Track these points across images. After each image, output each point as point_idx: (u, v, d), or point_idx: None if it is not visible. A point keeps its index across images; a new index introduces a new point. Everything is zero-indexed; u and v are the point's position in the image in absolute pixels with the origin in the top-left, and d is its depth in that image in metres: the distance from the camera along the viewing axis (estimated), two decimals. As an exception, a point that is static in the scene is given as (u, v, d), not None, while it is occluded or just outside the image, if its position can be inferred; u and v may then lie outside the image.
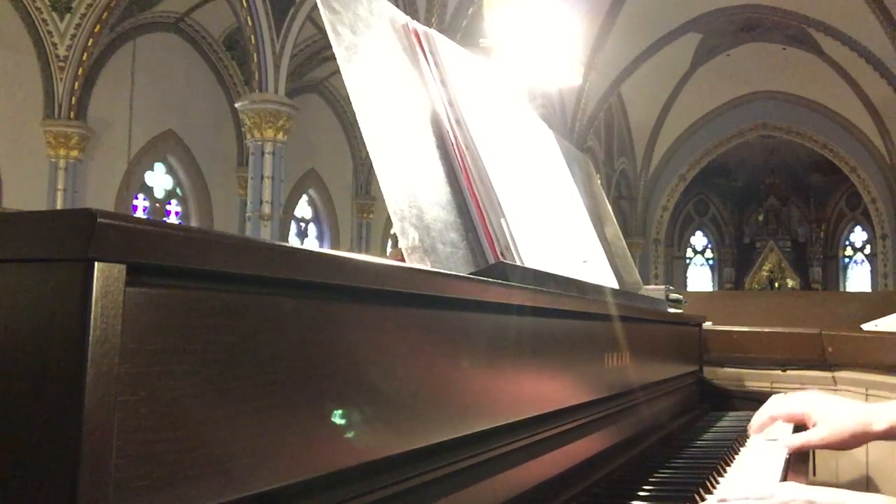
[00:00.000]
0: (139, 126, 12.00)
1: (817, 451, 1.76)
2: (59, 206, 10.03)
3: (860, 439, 1.31)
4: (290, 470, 0.50)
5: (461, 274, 0.85)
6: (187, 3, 12.44)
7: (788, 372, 2.28)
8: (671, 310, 2.07)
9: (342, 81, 0.88)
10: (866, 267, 19.64)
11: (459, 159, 1.03)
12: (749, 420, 1.69)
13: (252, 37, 10.10)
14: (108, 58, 11.68)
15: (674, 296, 2.33)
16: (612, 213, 2.03)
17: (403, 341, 0.65)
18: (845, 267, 20.07)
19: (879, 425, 1.27)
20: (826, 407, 1.40)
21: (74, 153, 11.08)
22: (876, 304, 3.30)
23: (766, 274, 19.35)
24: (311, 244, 14.83)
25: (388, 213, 0.84)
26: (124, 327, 0.38)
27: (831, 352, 2.22)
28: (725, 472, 1.23)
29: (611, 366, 1.21)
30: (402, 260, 0.83)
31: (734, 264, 19.99)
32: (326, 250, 0.56)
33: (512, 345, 0.86)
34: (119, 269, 0.37)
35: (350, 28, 0.92)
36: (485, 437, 0.78)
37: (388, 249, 16.67)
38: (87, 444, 0.35)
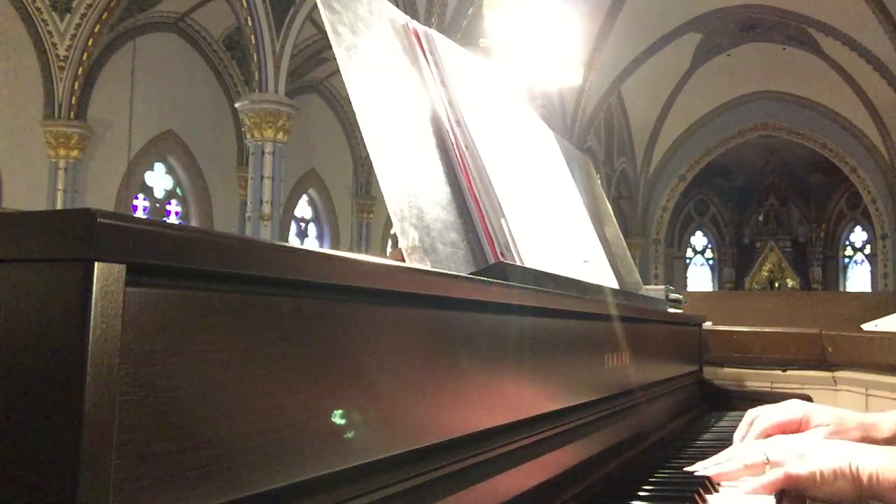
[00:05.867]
0: (139, 126, 12.01)
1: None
2: (59, 206, 10.02)
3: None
4: (291, 470, 0.50)
5: (461, 274, 0.85)
6: (187, 3, 12.44)
7: (788, 372, 2.28)
8: (671, 310, 2.07)
9: (342, 81, 0.88)
10: (866, 267, 19.65)
11: (459, 159, 1.03)
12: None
13: (252, 37, 10.10)
14: (108, 58, 11.68)
15: (674, 296, 2.33)
16: (612, 213, 2.03)
17: (403, 341, 0.65)
18: (845, 267, 20.08)
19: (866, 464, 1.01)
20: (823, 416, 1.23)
21: (74, 153, 11.09)
22: (876, 304, 3.30)
23: (766, 274, 19.36)
24: (311, 244, 14.83)
25: (388, 213, 0.84)
26: (124, 327, 0.38)
27: (831, 352, 2.22)
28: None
29: (611, 366, 1.21)
30: (402, 260, 0.83)
31: (734, 264, 19.99)
32: (326, 250, 0.56)
33: (512, 345, 0.86)
34: (119, 269, 0.37)
35: (350, 28, 0.92)
36: (485, 437, 0.78)
37: (388, 249, 16.67)
38: (87, 444, 0.35)
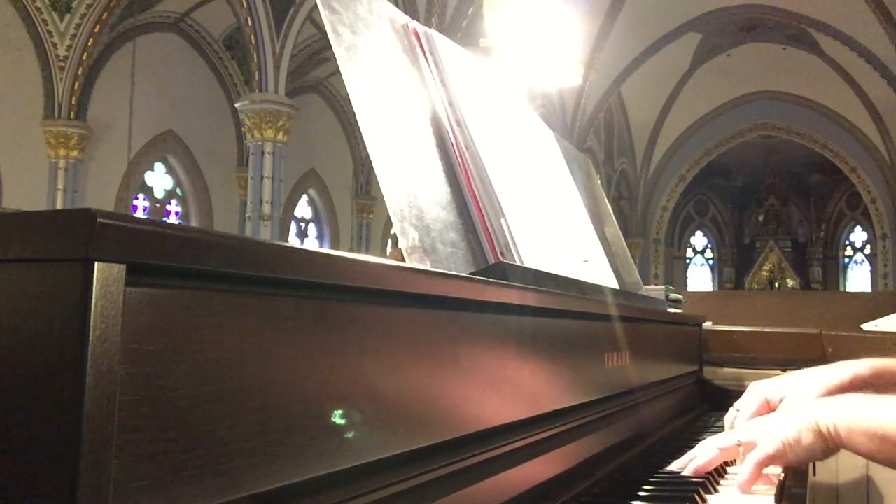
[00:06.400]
0: (139, 126, 12.00)
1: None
2: (59, 206, 10.02)
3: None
4: (290, 470, 0.50)
5: (461, 274, 0.85)
6: (187, 3, 12.44)
7: (789, 372, 2.28)
8: (671, 310, 2.07)
9: (342, 81, 0.88)
10: (866, 267, 19.64)
11: (459, 159, 1.03)
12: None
13: (252, 37, 10.11)
14: (108, 58, 11.68)
15: (674, 296, 2.33)
16: (612, 213, 2.03)
17: (403, 341, 0.65)
18: (845, 267, 20.07)
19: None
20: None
21: (74, 153, 11.09)
22: (876, 304, 3.30)
23: (766, 274, 19.35)
24: (311, 244, 14.83)
25: (388, 213, 0.84)
26: (124, 327, 0.38)
27: (831, 352, 2.22)
28: (727, 472, 1.23)
29: (611, 366, 1.21)
30: (402, 260, 0.83)
31: (734, 264, 19.98)
32: (326, 250, 0.56)
33: (512, 345, 0.86)
34: (119, 269, 0.37)
35: (350, 28, 0.92)
36: (485, 437, 0.78)
37: (388, 249, 16.67)
38: (87, 444, 0.35)
